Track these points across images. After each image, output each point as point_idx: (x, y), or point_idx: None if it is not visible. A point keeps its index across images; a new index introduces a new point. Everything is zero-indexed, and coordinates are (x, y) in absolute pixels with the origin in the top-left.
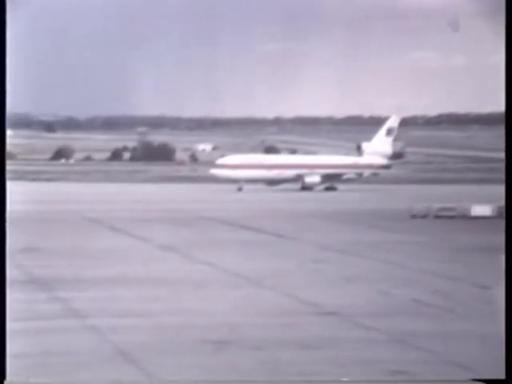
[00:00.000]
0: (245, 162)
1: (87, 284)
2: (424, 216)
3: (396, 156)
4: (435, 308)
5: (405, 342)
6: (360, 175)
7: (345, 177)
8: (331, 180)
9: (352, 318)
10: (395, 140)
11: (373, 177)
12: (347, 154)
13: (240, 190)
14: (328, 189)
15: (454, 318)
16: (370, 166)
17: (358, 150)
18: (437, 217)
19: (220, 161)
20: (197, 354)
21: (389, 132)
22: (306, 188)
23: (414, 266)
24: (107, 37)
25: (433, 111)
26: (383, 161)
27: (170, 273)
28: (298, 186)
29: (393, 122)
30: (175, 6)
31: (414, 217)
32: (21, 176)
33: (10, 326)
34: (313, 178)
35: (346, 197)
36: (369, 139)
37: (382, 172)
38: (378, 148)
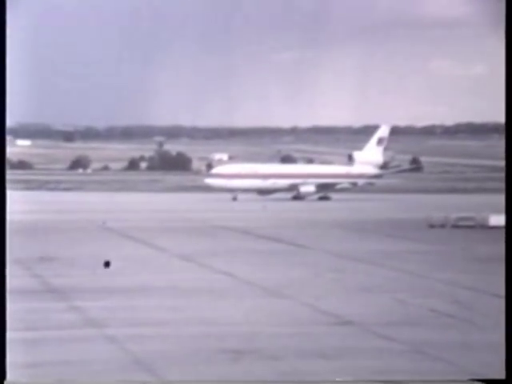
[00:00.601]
0: (239, 171)
1: (105, 293)
2: (442, 226)
3: (413, 162)
4: (453, 318)
5: (423, 352)
6: (354, 184)
7: (338, 186)
8: (325, 189)
9: (370, 327)
10: (386, 149)
11: (387, 185)
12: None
13: (235, 199)
14: (322, 198)
15: (472, 328)
16: (361, 176)
17: (350, 159)
18: (455, 226)
19: (215, 170)
20: (215, 364)
21: (380, 141)
22: (298, 198)
23: (432, 276)
24: (126, 48)
25: (451, 120)
26: (374, 170)
27: (187, 282)
28: (289, 195)
29: (383, 131)
30: (192, 17)
31: (432, 226)
32: (40, 185)
33: (27, 335)
34: (308, 188)
35: (363, 206)
36: (387, 149)
37: (399, 181)
38: (368, 157)
